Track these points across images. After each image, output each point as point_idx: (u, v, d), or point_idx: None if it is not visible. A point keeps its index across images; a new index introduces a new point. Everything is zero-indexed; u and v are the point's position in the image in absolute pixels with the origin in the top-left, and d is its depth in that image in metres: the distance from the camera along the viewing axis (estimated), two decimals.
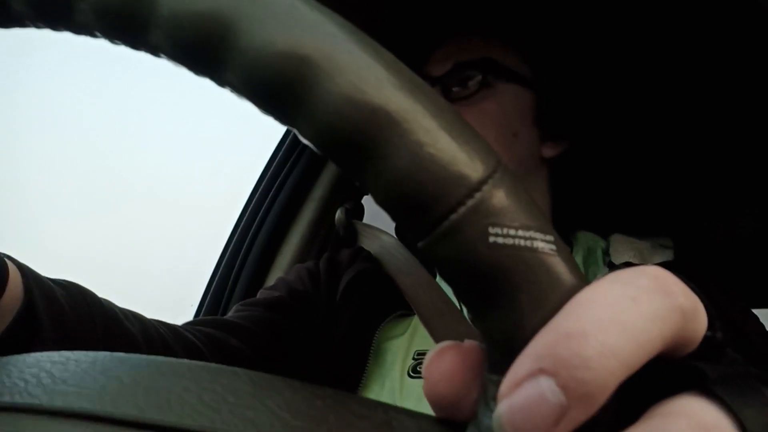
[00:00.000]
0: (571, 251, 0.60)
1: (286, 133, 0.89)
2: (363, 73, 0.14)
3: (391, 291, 0.57)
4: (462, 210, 0.14)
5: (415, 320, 0.57)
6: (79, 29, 0.17)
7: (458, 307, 0.54)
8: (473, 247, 0.14)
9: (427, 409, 0.55)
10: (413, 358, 0.54)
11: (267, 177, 0.89)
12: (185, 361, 0.17)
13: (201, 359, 0.47)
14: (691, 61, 0.59)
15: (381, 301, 0.58)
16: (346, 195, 0.85)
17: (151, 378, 0.16)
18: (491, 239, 0.13)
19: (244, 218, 0.89)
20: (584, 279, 0.14)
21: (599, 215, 0.65)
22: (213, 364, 0.17)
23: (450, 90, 0.56)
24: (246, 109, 0.16)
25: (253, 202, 0.89)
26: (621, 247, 0.57)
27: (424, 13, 0.59)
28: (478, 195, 0.14)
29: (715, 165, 0.70)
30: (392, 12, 0.59)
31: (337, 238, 0.76)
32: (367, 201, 0.82)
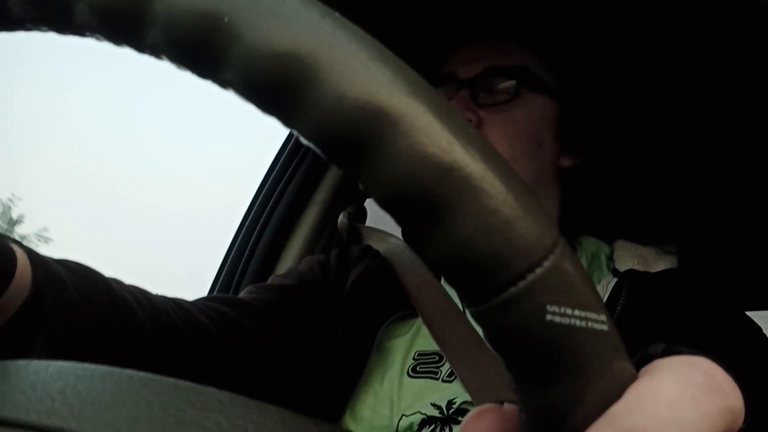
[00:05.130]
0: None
1: (290, 136, 0.89)
2: (435, 135, 0.13)
3: (397, 291, 0.58)
4: (522, 284, 0.13)
5: (418, 322, 0.57)
6: (79, 31, 0.17)
7: (461, 309, 0.54)
8: (529, 324, 0.13)
9: (421, 407, 0.55)
10: (413, 359, 0.55)
11: (270, 180, 0.89)
12: (214, 391, 0.17)
13: (210, 342, 0.47)
14: (697, 69, 0.59)
15: (386, 300, 0.58)
16: (349, 198, 0.85)
17: (181, 408, 0.16)
18: (548, 317, 0.13)
19: (247, 221, 0.88)
20: (629, 358, 0.14)
21: (603, 221, 0.66)
22: (242, 397, 0.17)
23: (477, 94, 0.56)
24: (251, 112, 0.15)
25: (256, 205, 0.89)
26: (625, 253, 0.57)
27: (455, 12, 0.58)
28: (539, 270, 0.13)
29: (718, 171, 0.70)
30: (420, 8, 0.58)
31: (340, 241, 0.76)
32: (370, 204, 0.82)
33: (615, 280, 0.54)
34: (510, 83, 0.56)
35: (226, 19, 0.14)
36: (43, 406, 0.17)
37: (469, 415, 0.16)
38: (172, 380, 0.18)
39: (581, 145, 0.60)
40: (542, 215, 0.14)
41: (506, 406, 0.16)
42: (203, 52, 0.14)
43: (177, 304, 0.47)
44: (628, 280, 0.53)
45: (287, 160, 0.88)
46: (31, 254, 0.34)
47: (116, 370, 0.19)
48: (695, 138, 0.68)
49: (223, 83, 0.15)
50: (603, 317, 0.14)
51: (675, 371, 0.14)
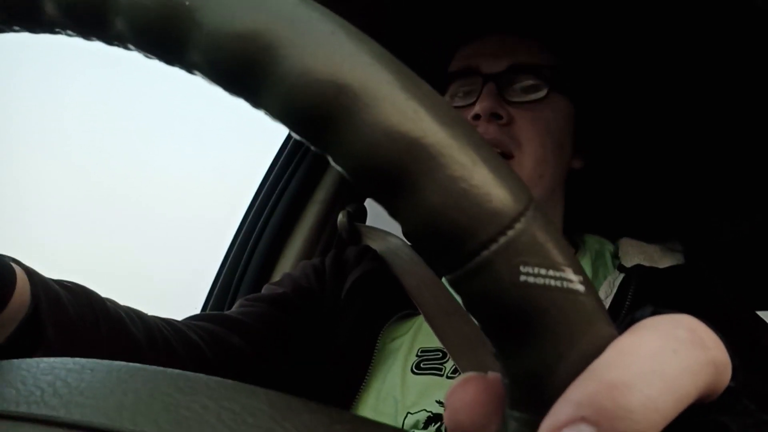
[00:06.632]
0: (576, 253, 0.60)
1: (289, 136, 0.89)
2: (400, 105, 0.14)
3: (397, 291, 0.57)
4: (494, 247, 0.13)
5: (420, 319, 0.57)
6: (50, 28, 0.17)
7: (464, 307, 0.54)
8: (503, 285, 0.13)
9: (427, 405, 0.55)
10: (417, 355, 0.54)
11: (270, 179, 0.89)
12: (202, 376, 0.17)
13: (203, 359, 0.47)
14: (700, 69, 0.60)
15: (386, 302, 0.58)
16: (349, 197, 0.85)
17: (168, 394, 0.16)
18: (522, 278, 0.13)
19: (247, 221, 0.88)
20: (611, 321, 0.14)
21: (605, 219, 0.66)
22: (230, 381, 0.17)
23: (504, 89, 0.56)
24: (249, 110, 0.15)
25: (256, 204, 0.89)
26: (630, 250, 0.57)
27: (481, 4, 0.58)
28: (510, 232, 0.13)
29: (721, 167, 0.70)
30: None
31: (340, 240, 0.75)
32: (370, 203, 0.81)
33: (622, 276, 0.54)
34: (539, 82, 0.56)
35: (187, 2, 0.14)
36: (33, 398, 0.17)
37: (453, 385, 0.16)
38: (160, 369, 0.18)
39: (591, 147, 0.60)
40: (512, 178, 0.14)
41: (490, 373, 0.16)
42: (167, 37, 0.15)
43: (168, 323, 0.48)
44: (635, 275, 0.53)
45: (287, 159, 0.88)
46: (30, 273, 0.34)
47: (106, 362, 0.19)
48: (697, 136, 0.68)
49: (189, 68, 0.15)
50: (579, 278, 0.14)
51: (656, 327, 0.14)
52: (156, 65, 0.17)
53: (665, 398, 0.13)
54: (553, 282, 0.13)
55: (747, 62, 0.56)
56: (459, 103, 0.58)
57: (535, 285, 0.13)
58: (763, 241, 0.75)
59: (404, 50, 0.61)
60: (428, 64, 0.60)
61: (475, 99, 0.55)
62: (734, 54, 0.56)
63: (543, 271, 0.13)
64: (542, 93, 0.56)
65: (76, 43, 0.18)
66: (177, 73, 0.16)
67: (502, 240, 0.13)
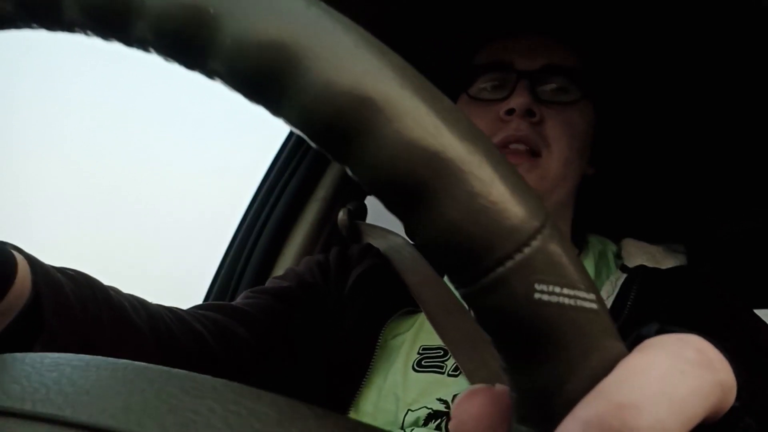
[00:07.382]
0: (580, 254, 0.60)
1: (291, 133, 0.89)
2: (421, 119, 0.14)
3: (399, 288, 0.57)
4: (510, 264, 0.13)
5: (422, 317, 0.57)
6: (68, 27, 0.17)
7: (465, 306, 0.54)
8: (518, 303, 0.13)
9: (427, 402, 0.55)
10: (418, 353, 0.54)
11: (271, 176, 0.89)
12: (209, 378, 0.17)
13: (206, 349, 0.47)
14: (710, 72, 0.60)
15: (389, 298, 0.58)
16: (350, 195, 0.85)
17: (175, 395, 0.16)
18: (536, 296, 0.13)
19: (248, 218, 0.88)
20: (621, 338, 0.14)
21: (609, 220, 0.66)
22: (236, 384, 0.17)
23: (536, 88, 0.55)
24: (251, 108, 0.15)
25: (257, 202, 0.89)
26: (634, 250, 0.57)
27: (514, 5, 0.58)
28: (527, 250, 0.13)
29: (723, 167, 0.70)
30: None
31: (341, 238, 0.76)
32: (371, 201, 0.81)
33: (624, 276, 0.54)
34: (571, 85, 0.56)
35: (211, 10, 0.14)
36: (38, 395, 0.17)
37: (460, 396, 0.16)
38: (166, 369, 0.18)
39: (606, 155, 0.61)
40: (530, 196, 0.14)
41: (497, 386, 0.17)
42: (190, 43, 0.15)
43: (172, 312, 0.47)
44: (638, 275, 0.53)
45: (288, 157, 0.88)
46: (31, 260, 0.34)
47: (111, 360, 0.19)
48: (702, 138, 0.68)
49: (210, 74, 0.15)
50: (592, 296, 0.14)
51: (665, 347, 0.14)
52: (156, 62, 0.16)
53: (673, 420, 0.13)
54: (567, 300, 0.14)
55: (753, 64, 0.56)
56: (487, 96, 0.58)
57: (549, 303, 0.13)
58: (760, 241, 0.75)
59: (422, 39, 0.60)
60: (446, 57, 0.59)
61: (506, 94, 0.55)
62: (742, 56, 0.56)
63: (558, 290, 0.13)
64: (574, 96, 0.56)
65: (78, 39, 0.18)
66: (178, 70, 0.16)
67: (519, 257, 0.13)
